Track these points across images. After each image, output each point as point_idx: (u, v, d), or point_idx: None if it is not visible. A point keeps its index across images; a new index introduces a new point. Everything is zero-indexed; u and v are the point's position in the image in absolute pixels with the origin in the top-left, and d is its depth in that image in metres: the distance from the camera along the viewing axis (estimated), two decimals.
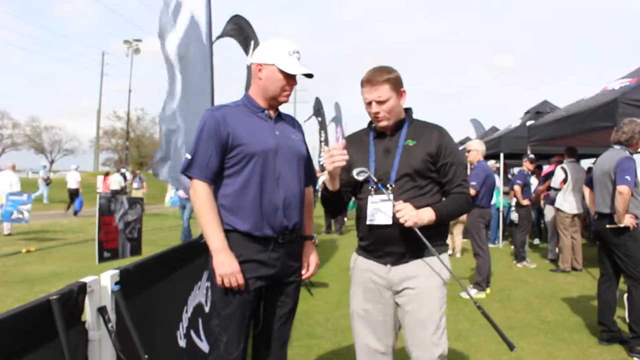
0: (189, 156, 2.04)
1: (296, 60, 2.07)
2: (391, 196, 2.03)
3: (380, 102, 2.04)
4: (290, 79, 2.08)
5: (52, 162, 52.32)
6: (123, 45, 33.41)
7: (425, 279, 2.06)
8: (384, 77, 2.03)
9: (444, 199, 2.12)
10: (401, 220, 1.95)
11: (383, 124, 2.10)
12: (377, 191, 2.07)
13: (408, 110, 2.19)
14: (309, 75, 2.11)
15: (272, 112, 2.14)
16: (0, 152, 49.21)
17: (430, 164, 2.06)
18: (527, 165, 7.94)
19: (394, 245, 2.07)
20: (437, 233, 2.09)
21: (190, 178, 2.04)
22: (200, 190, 2.00)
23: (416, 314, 2.05)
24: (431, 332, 2.03)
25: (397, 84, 2.06)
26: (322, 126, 15.82)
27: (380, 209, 2.06)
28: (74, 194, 17.04)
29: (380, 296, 2.13)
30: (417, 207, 1.99)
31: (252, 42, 5.38)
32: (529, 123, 8.88)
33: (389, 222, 2.03)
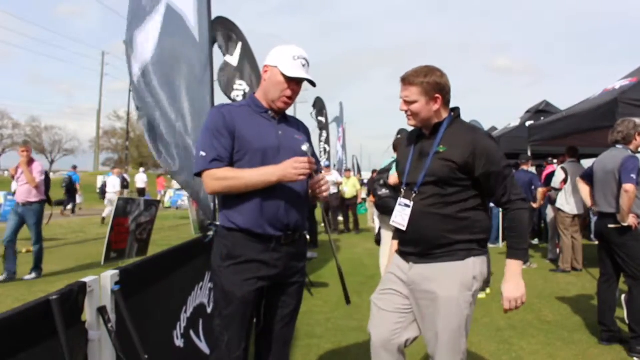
0: (203, 153, 2.00)
1: (300, 66, 2.06)
2: (411, 203, 2.06)
3: (407, 102, 2.05)
4: (292, 84, 2.07)
5: (52, 162, 52.35)
6: (123, 45, 33.15)
7: (444, 283, 1.98)
8: (418, 79, 2.00)
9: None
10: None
11: (410, 122, 2.12)
12: (406, 194, 2.11)
13: (454, 111, 2.11)
14: (313, 84, 2.12)
15: (275, 114, 2.15)
16: (0, 152, 49.25)
17: (458, 172, 1.98)
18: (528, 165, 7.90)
19: (414, 246, 2.08)
20: (463, 235, 1.99)
21: (203, 172, 2.01)
22: (220, 172, 1.97)
23: (432, 319, 2.01)
24: (446, 340, 1.98)
25: (430, 89, 2.00)
26: (324, 126, 15.76)
27: (402, 213, 2.09)
28: (140, 193, 20.15)
29: (397, 291, 2.13)
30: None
31: (240, 44, 5.23)
32: (528, 123, 8.88)
33: (404, 228, 2.06)
